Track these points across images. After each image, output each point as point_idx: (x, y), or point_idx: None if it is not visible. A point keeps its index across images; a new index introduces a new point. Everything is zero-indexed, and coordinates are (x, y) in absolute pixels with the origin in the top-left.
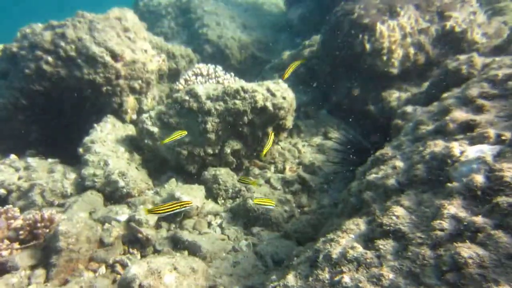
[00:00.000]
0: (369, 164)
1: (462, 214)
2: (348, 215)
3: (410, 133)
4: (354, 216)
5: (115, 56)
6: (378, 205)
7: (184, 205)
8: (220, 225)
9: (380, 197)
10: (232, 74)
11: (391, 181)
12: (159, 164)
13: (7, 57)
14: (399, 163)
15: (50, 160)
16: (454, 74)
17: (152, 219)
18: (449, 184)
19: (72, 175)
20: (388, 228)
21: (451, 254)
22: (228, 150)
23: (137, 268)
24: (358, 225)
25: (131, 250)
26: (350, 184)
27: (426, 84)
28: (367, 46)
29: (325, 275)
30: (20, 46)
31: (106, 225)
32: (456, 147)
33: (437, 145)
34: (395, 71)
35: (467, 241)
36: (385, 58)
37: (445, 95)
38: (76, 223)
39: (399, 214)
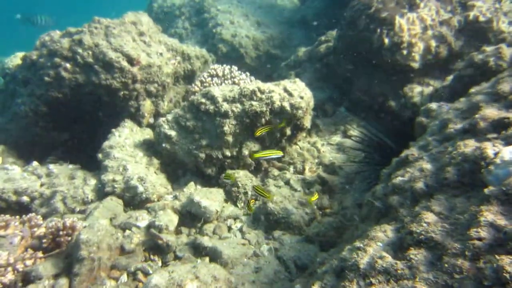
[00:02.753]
0: (394, 165)
1: (501, 221)
2: (374, 220)
3: (436, 132)
4: (381, 222)
5: (131, 61)
6: (406, 211)
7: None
8: (240, 229)
9: (408, 202)
10: (248, 73)
11: (419, 185)
12: (178, 167)
13: (27, 65)
14: (427, 165)
15: (70, 166)
16: (481, 67)
17: (172, 224)
18: (484, 189)
19: (92, 181)
20: (419, 236)
21: (494, 268)
22: (246, 152)
23: (158, 278)
24: (385, 232)
25: (152, 256)
26: (375, 187)
27: (449, 78)
28: (386, 40)
29: (354, 287)
30: (39, 54)
31: (127, 232)
32: (489, 148)
33: (468, 146)
34: (416, 65)
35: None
36: (405, 52)
37: (472, 90)
38: (97, 230)
39: (430, 221)
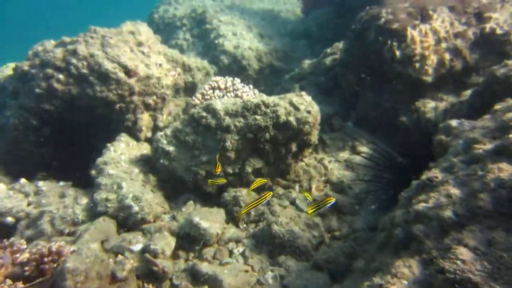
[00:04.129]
0: (415, 189)
1: None
2: (393, 251)
3: (461, 152)
4: (402, 254)
5: (128, 72)
6: (433, 243)
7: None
8: (242, 254)
9: (435, 233)
10: (251, 86)
11: (447, 213)
12: (176, 184)
13: (18, 75)
14: (454, 190)
15: (61, 183)
16: (504, 82)
17: (169, 248)
18: None
19: (84, 200)
20: (453, 276)
21: None
22: (249, 169)
23: None
24: (410, 267)
25: (146, 285)
26: (393, 212)
27: (467, 93)
28: (397, 53)
29: None
30: (31, 64)
31: (119, 257)
32: None
33: (503, 170)
34: (429, 79)
35: None
36: (417, 65)
37: (498, 106)
38: (85, 257)
39: (465, 258)
